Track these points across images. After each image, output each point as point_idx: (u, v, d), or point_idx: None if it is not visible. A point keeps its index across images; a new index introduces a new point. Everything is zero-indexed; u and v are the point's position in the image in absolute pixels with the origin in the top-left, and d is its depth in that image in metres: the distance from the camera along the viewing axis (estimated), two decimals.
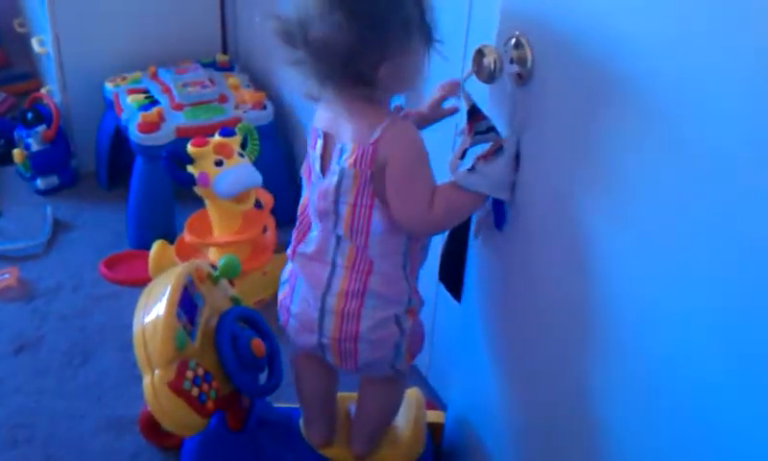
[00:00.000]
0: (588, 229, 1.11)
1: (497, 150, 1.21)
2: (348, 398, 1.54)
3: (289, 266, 1.37)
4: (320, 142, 1.25)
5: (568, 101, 1.11)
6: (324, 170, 1.25)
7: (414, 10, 1.14)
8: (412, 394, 1.56)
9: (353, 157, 1.19)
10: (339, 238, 1.26)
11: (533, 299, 1.29)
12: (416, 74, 1.20)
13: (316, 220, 1.29)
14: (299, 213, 1.33)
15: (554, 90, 1.13)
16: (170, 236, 2.18)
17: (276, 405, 1.55)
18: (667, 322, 0.99)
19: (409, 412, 1.52)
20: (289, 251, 1.36)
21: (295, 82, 1.19)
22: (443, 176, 1.26)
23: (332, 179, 1.23)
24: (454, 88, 1.32)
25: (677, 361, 0.99)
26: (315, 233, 1.29)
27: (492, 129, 1.24)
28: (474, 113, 1.24)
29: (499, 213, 1.29)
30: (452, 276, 1.42)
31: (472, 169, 1.21)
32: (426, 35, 1.17)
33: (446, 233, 1.39)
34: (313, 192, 1.27)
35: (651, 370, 1.04)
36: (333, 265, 1.27)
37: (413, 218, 1.22)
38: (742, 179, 0.85)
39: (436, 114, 1.37)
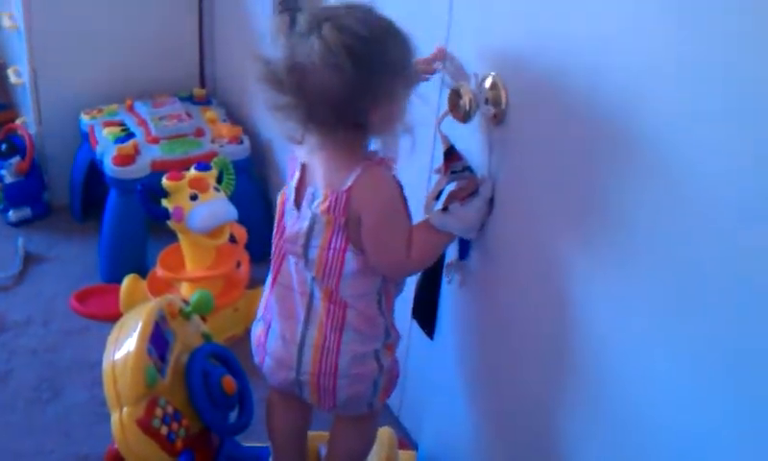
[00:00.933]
0: (562, 269, 1.12)
1: (473, 192, 1.23)
2: (318, 437, 1.53)
3: (263, 302, 1.36)
4: (297, 174, 1.25)
5: (543, 141, 1.13)
6: (297, 204, 1.24)
7: (402, 53, 1.15)
8: (384, 433, 1.55)
9: (326, 203, 1.19)
10: (313, 277, 1.26)
11: (505, 339, 1.30)
12: (401, 117, 1.20)
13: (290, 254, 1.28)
14: (273, 242, 1.32)
15: (529, 130, 1.15)
16: (142, 270, 2.16)
17: (245, 444, 1.53)
18: (643, 366, 1.00)
19: (381, 451, 1.51)
20: (269, 280, 1.34)
21: (277, 125, 1.18)
22: (419, 214, 1.27)
23: (303, 223, 1.22)
24: (441, 54, 1.32)
25: (651, 404, 0.99)
26: (291, 263, 1.28)
27: (467, 168, 1.25)
28: (451, 153, 1.26)
29: (464, 246, 1.31)
30: (425, 313, 1.43)
31: (446, 210, 1.23)
32: (411, 77, 1.19)
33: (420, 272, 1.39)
34: (287, 222, 1.27)
35: (623, 411, 1.05)
36: (311, 297, 1.27)
37: (391, 265, 1.24)
38: (719, 210, 0.86)
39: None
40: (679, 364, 0.94)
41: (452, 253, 1.35)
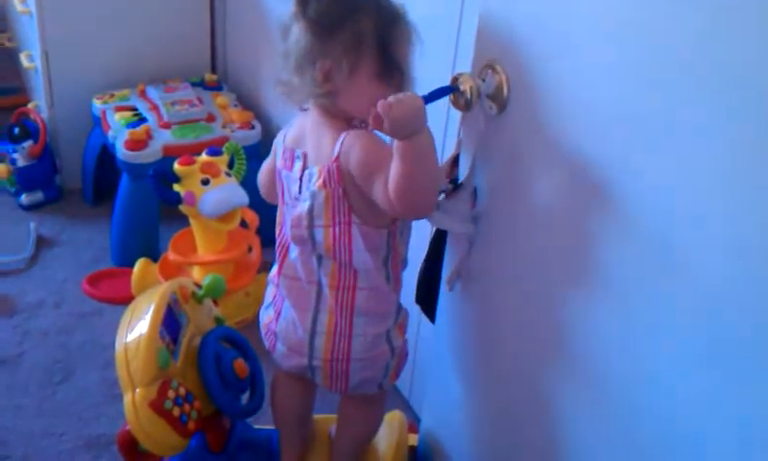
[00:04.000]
0: (564, 266, 1.12)
1: (457, 186, 1.24)
2: (329, 420, 1.53)
3: (271, 288, 1.36)
4: (298, 164, 1.25)
5: (544, 130, 1.12)
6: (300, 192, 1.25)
7: (369, 33, 1.15)
8: (395, 417, 1.56)
9: (321, 178, 1.19)
10: (321, 257, 1.26)
11: (502, 333, 1.30)
12: (365, 101, 1.16)
13: (293, 243, 1.28)
14: (277, 234, 1.33)
15: (530, 119, 1.14)
16: (154, 255, 2.17)
17: (256, 426, 1.54)
18: (645, 361, 0.99)
19: (391, 435, 1.52)
20: (273, 272, 1.35)
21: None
22: None
23: (304, 205, 1.23)
24: None
25: (648, 395, 0.99)
26: (295, 254, 1.29)
27: (456, 180, 1.26)
28: (455, 161, 1.26)
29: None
30: (427, 298, 1.43)
31: (437, 207, 1.23)
32: (385, 67, 1.16)
33: (423, 258, 1.40)
34: (288, 214, 1.27)
35: (617, 398, 1.05)
36: (319, 284, 1.27)
37: (384, 207, 1.18)
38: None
39: None
40: (682, 364, 0.93)
41: (453, 261, 1.36)
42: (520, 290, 1.24)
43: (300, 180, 1.25)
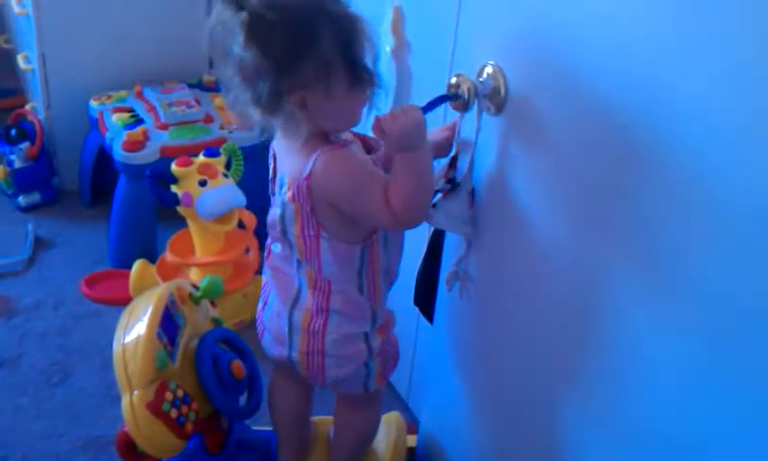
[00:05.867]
0: (565, 267, 1.12)
1: (454, 186, 1.24)
2: (328, 422, 1.54)
3: (265, 277, 1.37)
4: (272, 164, 1.26)
5: (542, 131, 1.12)
6: (272, 192, 1.26)
7: (335, 50, 1.10)
8: (392, 417, 1.56)
9: (291, 191, 1.19)
10: (299, 260, 1.27)
11: (501, 337, 1.30)
12: (345, 114, 1.17)
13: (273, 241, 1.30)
14: (268, 224, 1.32)
15: (528, 119, 1.15)
16: (152, 256, 2.17)
17: (255, 428, 1.54)
18: (647, 361, 1.00)
19: (389, 436, 1.52)
20: (265, 258, 1.36)
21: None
22: None
23: (276, 210, 1.24)
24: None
25: (648, 396, 0.99)
26: (278, 249, 1.30)
27: (454, 180, 1.26)
28: (453, 162, 1.27)
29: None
30: (425, 300, 1.43)
31: (433, 206, 1.23)
32: (356, 77, 1.14)
33: (421, 259, 1.40)
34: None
35: (616, 398, 1.05)
36: (299, 281, 1.28)
37: (385, 226, 1.21)
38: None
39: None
40: (688, 370, 0.93)
41: (452, 261, 1.36)
42: (519, 291, 1.24)
43: (272, 181, 1.25)
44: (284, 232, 1.24)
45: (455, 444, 1.51)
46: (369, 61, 1.16)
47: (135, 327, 1.31)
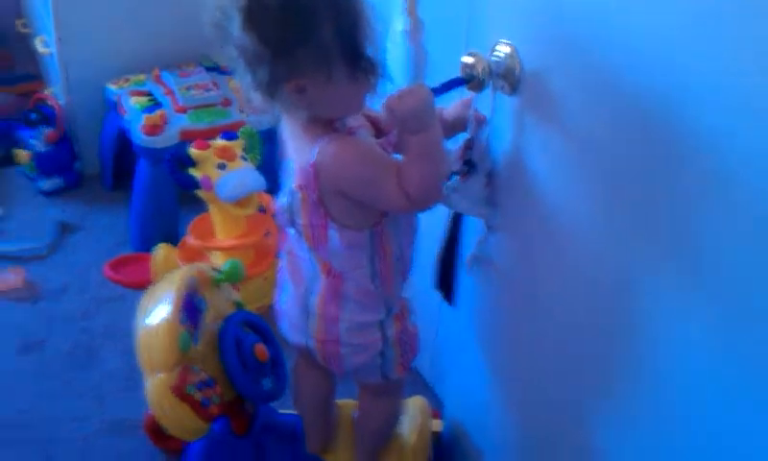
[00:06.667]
0: (592, 245, 1.11)
1: (471, 168, 1.23)
2: (352, 405, 1.54)
3: (281, 261, 1.37)
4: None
5: (558, 110, 1.11)
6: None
7: (334, 37, 1.07)
8: (417, 402, 1.56)
9: (298, 179, 1.18)
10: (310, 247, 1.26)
11: (520, 308, 1.30)
12: (346, 102, 1.15)
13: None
14: (275, 211, 1.30)
15: (542, 98, 1.13)
16: (174, 239, 2.18)
17: (281, 412, 1.55)
18: (675, 353, 0.98)
19: (414, 421, 1.52)
20: (279, 242, 1.36)
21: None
22: None
23: (283, 198, 1.22)
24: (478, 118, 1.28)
25: (682, 390, 0.98)
26: (293, 233, 1.28)
27: (471, 161, 1.25)
28: (469, 143, 1.26)
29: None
30: (445, 283, 1.43)
31: (452, 189, 1.23)
32: (357, 65, 1.10)
33: (440, 242, 1.40)
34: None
35: (647, 396, 1.04)
36: (313, 266, 1.26)
37: (399, 211, 1.19)
38: None
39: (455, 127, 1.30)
40: (729, 368, 0.90)
41: (472, 244, 1.35)
42: (539, 273, 1.23)
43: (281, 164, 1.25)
44: (292, 220, 1.23)
45: (480, 428, 1.51)
46: (371, 48, 1.12)
47: (158, 311, 1.32)
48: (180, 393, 1.26)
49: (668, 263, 0.96)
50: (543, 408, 1.29)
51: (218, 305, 1.45)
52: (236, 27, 1.07)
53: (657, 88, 0.93)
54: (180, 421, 1.28)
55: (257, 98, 1.14)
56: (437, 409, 1.67)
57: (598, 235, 1.08)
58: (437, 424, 1.61)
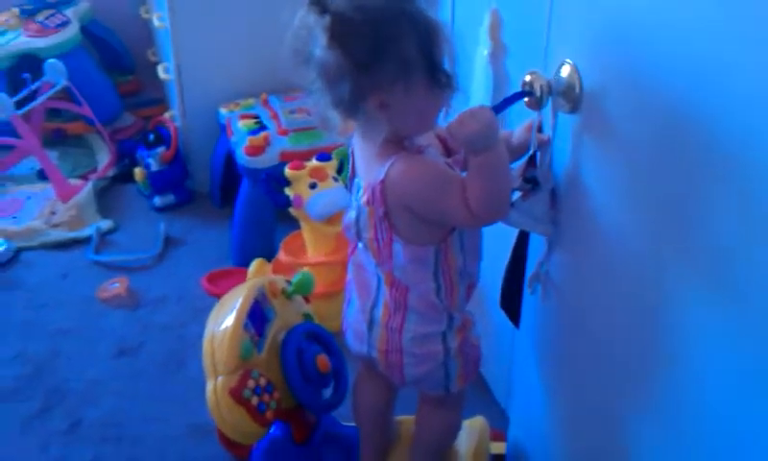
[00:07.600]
0: (649, 267, 1.07)
1: (534, 186, 1.22)
2: (411, 422, 1.54)
3: (349, 274, 1.40)
4: (351, 164, 1.30)
5: (618, 130, 1.09)
6: (350, 191, 1.29)
7: (415, 51, 1.11)
8: (476, 422, 1.55)
9: (366, 195, 1.21)
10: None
11: (583, 330, 1.27)
12: (423, 117, 1.18)
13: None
14: (343, 226, 1.35)
15: (604, 117, 1.12)
16: (271, 255, 2.25)
17: (345, 424, 1.57)
18: (730, 389, 0.94)
19: (471, 441, 1.51)
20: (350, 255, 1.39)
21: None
22: None
23: (351, 214, 1.26)
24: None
25: (737, 430, 0.94)
26: (362, 246, 1.31)
27: (535, 179, 1.24)
28: (531, 160, 1.25)
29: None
30: (510, 303, 1.42)
31: (511, 206, 1.22)
32: (435, 78, 1.14)
33: (507, 263, 1.38)
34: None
35: (705, 434, 0.99)
36: (378, 277, 1.30)
37: (465, 225, 1.23)
38: None
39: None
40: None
41: (534, 263, 1.34)
42: (597, 293, 1.21)
43: (351, 180, 1.28)
44: (358, 234, 1.27)
45: (542, 453, 1.48)
46: (447, 64, 1.16)
47: (225, 319, 1.37)
48: (238, 396, 1.31)
49: (714, 295, 0.93)
50: (599, 435, 1.25)
51: (287, 316, 1.49)
52: (320, 45, 1.13)
53: (716, 116, 0.89)
54: (236, 423, 1.32)
55: (335, 116, 1.19)
56: (501, 431, 1.64)
57: (652, 258, 1.05)
58: (499, 447, 1.58)
